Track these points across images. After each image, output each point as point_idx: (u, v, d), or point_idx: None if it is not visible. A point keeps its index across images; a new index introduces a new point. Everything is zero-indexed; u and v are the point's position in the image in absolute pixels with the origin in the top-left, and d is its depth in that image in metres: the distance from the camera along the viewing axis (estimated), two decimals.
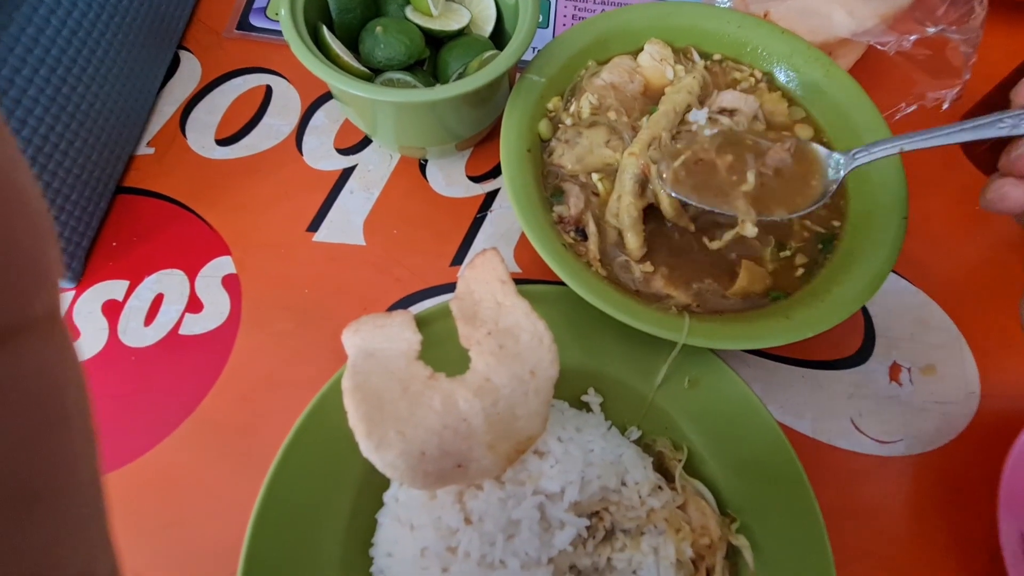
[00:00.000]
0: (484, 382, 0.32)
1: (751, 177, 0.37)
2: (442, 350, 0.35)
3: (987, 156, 0.51)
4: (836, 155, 0.37)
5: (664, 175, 0.38)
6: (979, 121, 0.32)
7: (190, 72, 0.52)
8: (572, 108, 0.43)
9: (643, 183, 0.39)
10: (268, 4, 0.55)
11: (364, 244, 0.46)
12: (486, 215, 0.48)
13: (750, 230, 0.36)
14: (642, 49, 0.46)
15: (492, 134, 0.50)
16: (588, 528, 0.34)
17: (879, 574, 0.38)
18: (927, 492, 0.40)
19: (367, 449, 0.29)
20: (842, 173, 0.36)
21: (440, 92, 0.37)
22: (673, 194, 0.38)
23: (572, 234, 0.40)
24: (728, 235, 0.39)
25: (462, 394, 0.32)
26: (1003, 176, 0.32)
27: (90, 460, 0.15)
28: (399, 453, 0.29)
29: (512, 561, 0.31)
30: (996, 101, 0.50)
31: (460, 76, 0.42)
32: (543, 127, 0.42)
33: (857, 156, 0.36)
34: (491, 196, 0.49)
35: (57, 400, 0.14)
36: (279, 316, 0.43)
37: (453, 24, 0.44)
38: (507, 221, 0.48)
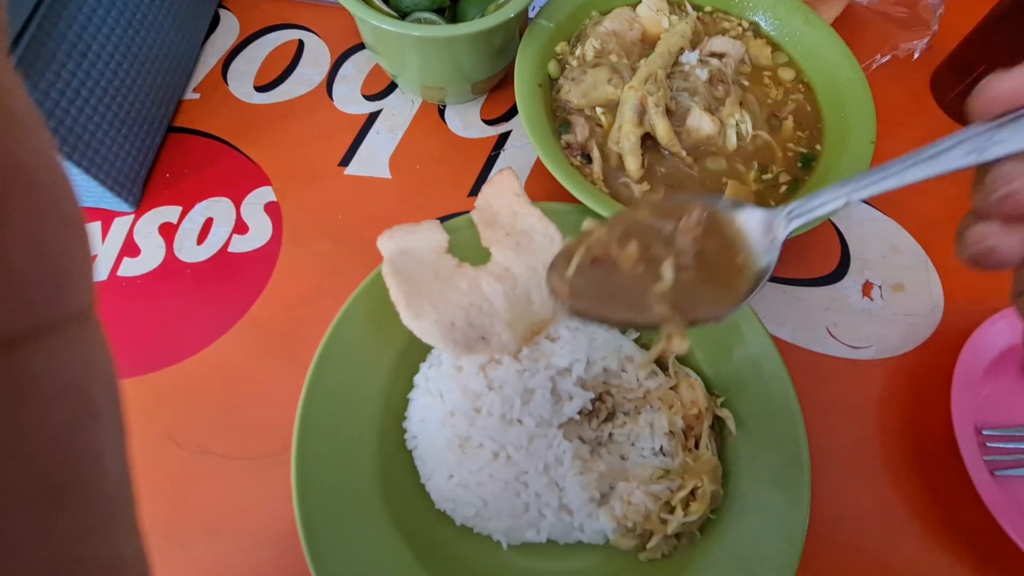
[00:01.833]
0: (504, 271, 0.37)
1: (668, 272, 0.27)
2: (465, 256, 0.40)
3: (956, 102, 0.56)
4: (757, 219, 0.27)
5: (558, 290, 0.28)
6: (938, 148, 0.24)
7: (230, 28, 0.58)
8: (578, 52, 0.48)
9: (641, 113, 0.44)
10: None
11: (390, 177, 0.51)
12: (499, 153, 0.53)
13: (679, 345, 0.27)
14: (641, 1, 0.51)
15: (504, 81, 0.55)
16: (593, 407, 0.39)
17: (846, 454, 0.43)
18: (893, 391, 0.45)
19: (407, 318, 0.34)
20: (780, 241, 0.26)
21: (460, 28, 0.42)
22: (572, 317, 0.30)
23: (579, 158, 0.45)
24: (713, 164, 0.45)
25: (485, 279, 0.37)
26: (981, 219, 0.23)
27: (118, 454, 0.15)
28: (433, 321, 0.34)
29: (528, 420, 0.36)
30: (964, 55, 0.55)
31: None
32: (551, 67, 0.48)
33: (793, 216, 0.26)
34: (503, 137, 0.54)
35: (87, 397, 0.14)
36: (316, 237, 0.48)
37: None
38: (518, 159, 0.53)
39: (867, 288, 0.49)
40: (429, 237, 0.40)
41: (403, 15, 0.47)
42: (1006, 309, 0.45)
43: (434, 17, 0.45)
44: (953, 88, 0.56)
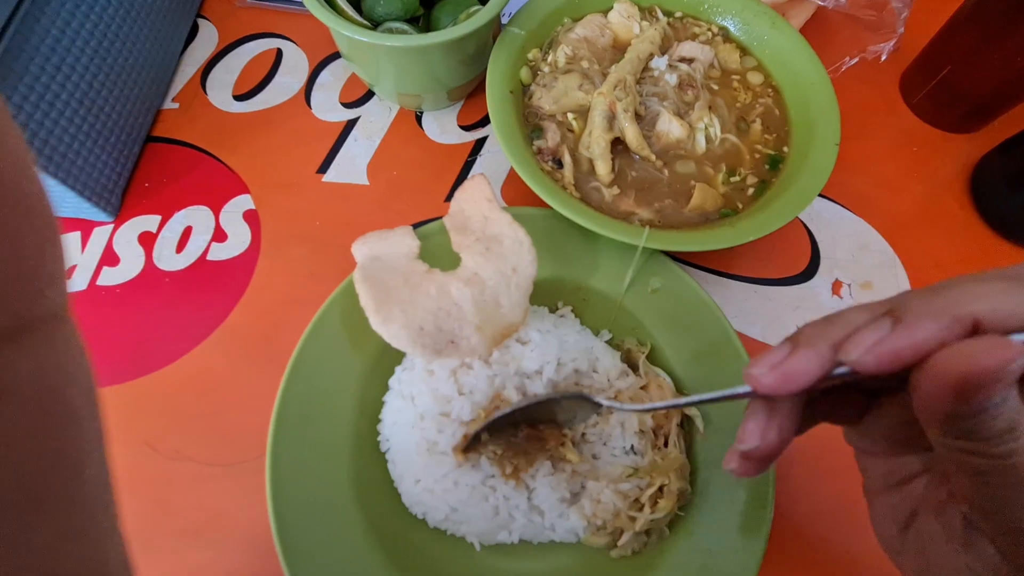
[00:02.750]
0: (473, 275, 0.38)
1: None
2: (437, 261, 0.41)
3: (924, 102, 0.57)
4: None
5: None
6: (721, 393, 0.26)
7: (208, 37, 0.58)
8: (550, 58, 0.49)
9: (611, 119, 0.45)
10: None
11: (368, 184, 0.52)
12: (475, 159, 0.54)
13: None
14: (612, 8, 0.52)
15: (479, 88, 0.55)
16: None
17: (813, 450, 0.44)
18: None
19: (376, 323, 0.35)
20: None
21: (431, 38, 0.42)
22: None
23: (550, 163, 0.45)
24: (683, 167, 0.46)
25: (454, 284, 0.37)
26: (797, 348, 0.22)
27: (98, 456, 0.15)
28: (402, 326, 0.35)
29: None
30: (931, 57, 0.56)
31: None
32: (523, 74, 0.48)
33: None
34: (480, 143, 0.55)
35: (63, 399, 0.14)
36: (294, 244, 0.49)
37: None
38: (494, 164, 0.54)
39: (836, 287, 0.50)
40: (401, 243, 0.40)
41: (376, 24, 0.47)
42: None
43: (406, 27, 0.46)
44: (921, 89, 0.57)
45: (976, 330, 0.19)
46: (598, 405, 0.34)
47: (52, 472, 0.13)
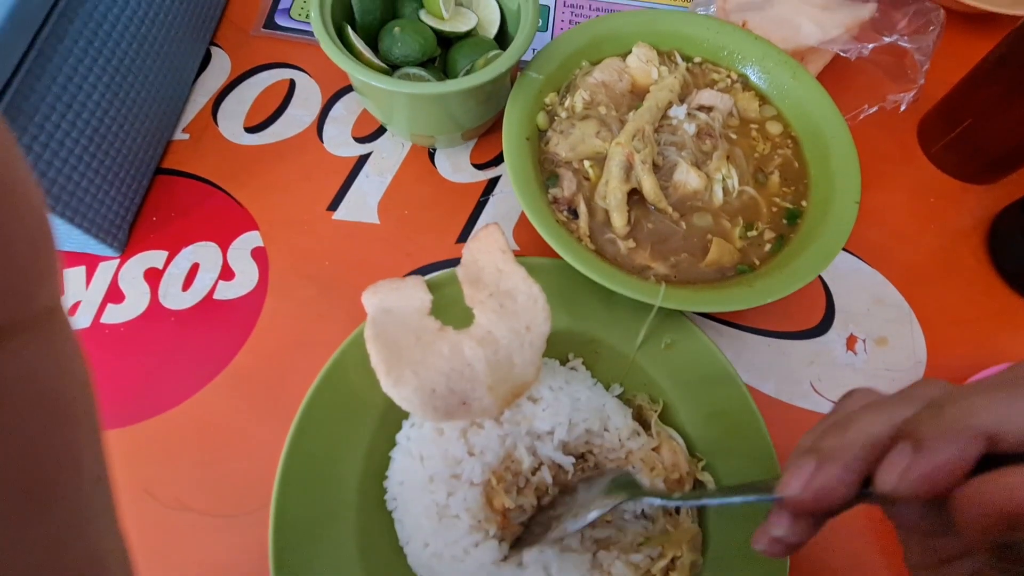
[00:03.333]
0: (486, 334, 0.37)
1: None
2: (449, 312, 0.40)
3: (942, 153, 0.57)
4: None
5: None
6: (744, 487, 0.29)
7: (221, 67, 0.58)
8: (567, 103, 0.49)
9: (628, 169, 0.45)
10: (292, 5, 0.60)
11: (378, 223, 0.51)
12: (488, 199, 0.53)
13: None
14: (631, 51, 0.51)
15: (495, 126, 0.55)
16: (575, 466, 0.39)
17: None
18: None
19: (387, 385, 0.34)
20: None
21: (450, 86, 0.42)
22: None
23: (565, 213, 0.45)
24: (700, 220, 0.45)
25: (467, 343, 0.37)
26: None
27: (96, 453, 0.15)
28: (413, 389, 0.34)
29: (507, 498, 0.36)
30: (951, 108, 0.56)
31: (468, 72, 0.47)
32: (540, 119, 0.48)
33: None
34: (493, 182, 0.54)
35: (60, 396, 0.14)
36: (302, 284, 0.48)
37: (462, 26, 0.49)
38: (507, 204, 0.53)
39: (851, 342, 0.49)
40: (413, 296, 0.39)
41: (392, 66, 0.47)
42: (991, 367, 0.45)
43: (423, 73, 0.45)
44: (940, 139, 0.56)
45: (992, 444, 0.19)
46: (638, 490, 0.34)
47: (49, 470, 0.13)
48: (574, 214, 0.45)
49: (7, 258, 0.12)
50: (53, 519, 0.13)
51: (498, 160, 0.55)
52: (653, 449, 0.40)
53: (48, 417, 0.13)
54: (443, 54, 0.50)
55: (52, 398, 0.13)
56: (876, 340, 0.49)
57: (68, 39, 0.40)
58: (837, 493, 0.22)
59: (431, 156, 0.55)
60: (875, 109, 0.56)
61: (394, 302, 0.39)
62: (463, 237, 0.51)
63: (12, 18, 0.35)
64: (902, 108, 0.55)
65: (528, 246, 0.51)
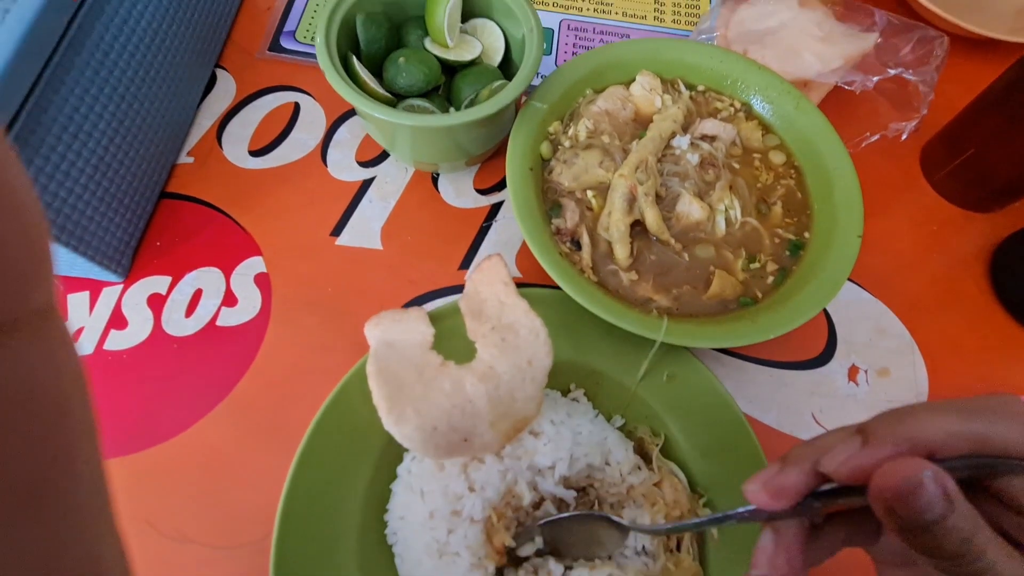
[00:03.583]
0: (488, 369, 0.37)
1: None
2: (451, 343, 0.40)
3: (945, 181, 0.57)
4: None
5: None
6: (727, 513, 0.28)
7: (226, 89, 0.58)
8: (570, 132, 0.49)
9: (631, 201, 0.45)
10: (298, 28, 0.61)
11: (381, 248, 0.51)
12: (491, 224, 0.53)
13: None
14: (634, 80, 0.51)
15: (498, 152, 0.55)
16: (576, 500, 0.39)
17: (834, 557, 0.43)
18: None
19: (388, 423, 0.34)
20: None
21: (454, 118, 0.42)
22: None
23: (568, 244, 0.45)
24: (702, 252, 0.45)
25: (469, 379, 0.37)
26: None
27: (91, 453, 0.15)
28: (415, 427, 0.34)
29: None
30: (954, 136, 0.56)
31: (472, 101, 0.47)
32: (544, 148, 0.48)
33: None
34: (496, 207, 0.54)
35: (54, 396, 0.14)
36: (305, 311, 0.48)
37: (466, 55, 0.49)
38: (510, 230, 0.53)
39: (853, 372, 0.49)
40: (415, 330, 0.40)
41: (396, 95, 0.47)
42: None
43: (428, 104, 0.45)
44: (943, 167, 0.56)
45: (930, 455, 0.22)
46: (622, 528, 0.34)
47: (44, 470, 0.13)
48: (577, 245, 0.45)
49: (3, 258, 0.12)
50: (49, 520, 0.13)
51: (501, 185, 0.55)
52: (655, 484, 0.40)
53: (42, 417, 0.13)
54: (447, 82, 0.50)
55: (47, 398, 0.13)
56: (878, 371, 0.49)
57: (75, 70, 0.40)
58: (794, 487, 0.24)
59: (434, 181, 0.55)
60: (877, 137, 0.56)
61: (396, 335, 0.40)
62: (466, 263, 0.51)
63: (21, 51, 0.35)
64: (904, 136, 0.55)
65: (531, 273, 0.51)
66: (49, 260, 0.13)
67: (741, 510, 0.27)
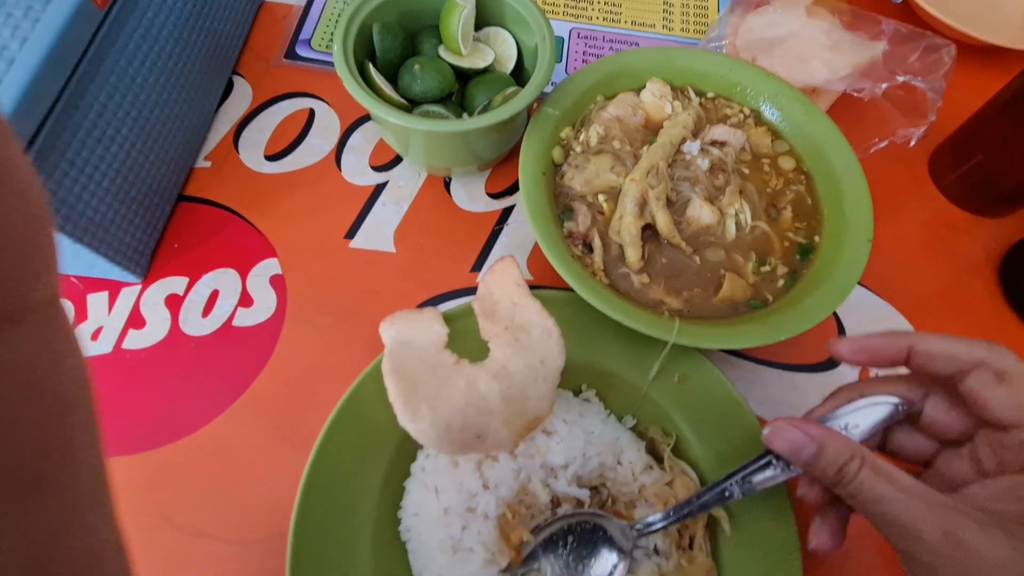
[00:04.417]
0: (501, 368, 0.38)
1: None
2: (465, 343, 0.41)
3: (954, 185, 0.57)
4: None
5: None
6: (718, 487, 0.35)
7: (243, 95, 0.59)
8: (582, 137, 0.50)
9: (642, 205, 0.45)
10: (313, 36, 0.62)
11: (394, 251, 0.52)
12: (503, 228, 0.54)
13: None
14: (644, 87, 0.52)
15: (510, 156, 0.56)
16: (590, 499, 0.40)
17: (839, 552, 0.43)
18: None
19: (403, 419, 0.35)
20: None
21: (468, 124, 0.43)
22: None
23: (580, 247, 0.45)
24: (713, 255, 0.46)
25: (482, 377, 0.37)
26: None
27: (92, 443, 0.15)
28: (429, 423, 0.35)
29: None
30: (963, 141, 0.56)
31: (485, 108, 0.48)
32: (556, 153, 0.49)
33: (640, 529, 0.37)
34: (507, 211, 0.55)
35: (55, 386, 0.14)
36: (320, 312, 0.49)
37: (479, 62, 0.50)
38: (521, 234, 0.54)
39: (864, 374, 0.49)
40: (430, 329, 0.40)
41: (411, 101, 0.48)
42: None
43: (442, 110, 0.46)
44: (952, 172, 0.57)
45: (908, 356, 0.32)
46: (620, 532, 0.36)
47: (47, 461, 0.13)
48: (589, 248, 0.45)
49: (6, 249, 0.12)
50: (48, 509, 0.13)
51: (513, 189, 0.56)
52: (667, 484, 0.40)
53: (43, 406, 0.13)
54: (461, 89, 0.51)
55: (47, 388, 0.13)
56: (888, 373, 0.49)
57: (100, 77, 0.42)
58: (875, 349, 0.33)
59: (447, 185, 0.56)
60: (886, 143, 0.56)
61: (411, 335, 0.40)
62: (478, 266, 0.52)
63: (49, 59, 0.36)
64: (912, 143, 0.56)
65: (542, 276, 0.52)
66: (53, 252, 0.14)
67: (756, 459, 0.35)
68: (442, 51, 0.50)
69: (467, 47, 0.49)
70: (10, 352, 0.12)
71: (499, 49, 0.52)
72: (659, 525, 0.37)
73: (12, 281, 0.12)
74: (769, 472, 0.34)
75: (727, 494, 0.35)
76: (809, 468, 0.31)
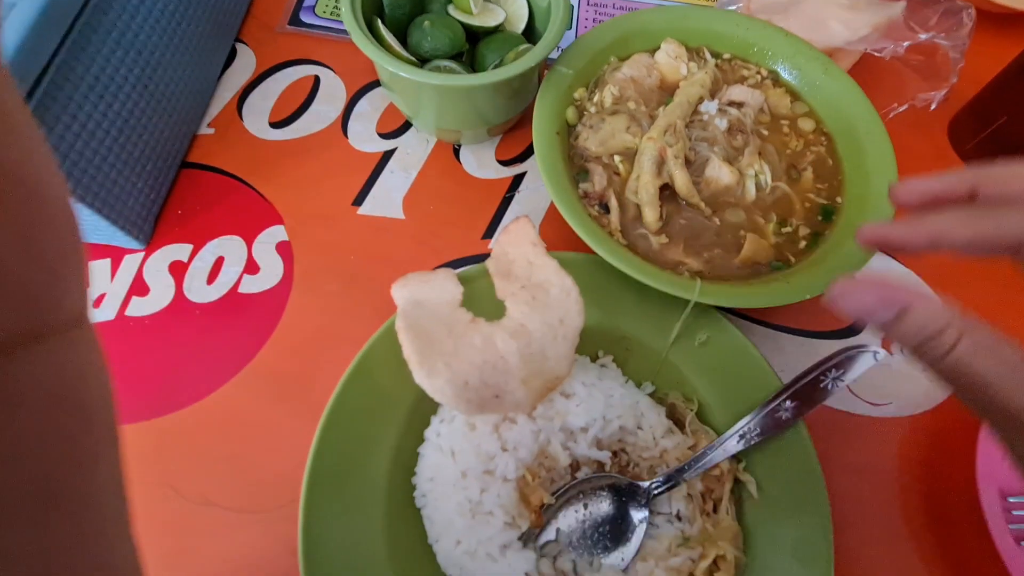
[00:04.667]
0: (519, 327, 0.37)
1: None
2: (480, 305, 0.40)
3: (975, 151, 0.56)
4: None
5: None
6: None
7: (246, 62, 0.58)
8: (596, 98, 0.48)
9: (660, 164, 0.44)
10: (317, 2, 0.61)
11: (404, 218, 0.51)
12: (514, 195, 0.53)
13: None
14: (659, 47, 0.51)
15: (520, 123, 0.54)
16: (610, 462, 0.38)
17: (867, 517, 0.42)
18: (913, 449, 0.44)
19: (419, 376, 0.34)
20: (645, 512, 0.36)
21: (482, 78, 0.41)
22: None
23: (596, 208, 0.44)
24: (733, 216, 0.44)
25: (500, 335, 0.36)
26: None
27: (112, 460, 0.15)
28: (446, 380, 0.33)
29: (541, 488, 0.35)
30: (984, 105, 0.55)
31: (496, 67, 0.47)
32: (570, 114, 0.47)
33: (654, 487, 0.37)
34: (518, 179, 0.53)
35: (80, 403, 0.14)
36: (327, 279, 0.48)
37: (490, 21, 0.49)
38: (533, 201, 0.52)
39: (887, 342, 0.48)
40: (444, 288, 0.39)
41: (421, 60, 0.47)
42: None
43: (453, 65, 0.45)
44: (973, 137, 0.56)
45: (972, 194, 0.29)
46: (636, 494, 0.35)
47: (67, 476, 0.13)
48: (605, 209, 0.44)
49: (37, 265, 0.12)
50: (66, 523, 0.13)
51: (523, 157, 0.54)
52: (689, 448, 0.39)
53: (67, 423, 0.13)
54: (471, 49, 0.50)
55: (72, 405, 0.13)
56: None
57: (102, 30, 0.40)
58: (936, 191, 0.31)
59: (456, 152, 0.54)
60: (905, 107, 0.55)
61: (425, 294, 0.39)
62: (489, 233, 0.51)
63: (48, 9, 0.35)
64: (933, 106, 0.54)
65: (555, 243, 0.50)
66: (83, 269, 0.13)
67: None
68: (452, 9, 0.49)
69: (478, 6, 0.48)
70: (37, 367, 0.12)
71: (510, 9, 0.50)
72: (689, 474, 0.36)
73: (42, 297, 0.12)
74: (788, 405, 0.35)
75: (742, 436, 0.36)
76: (891, 333, 0.25)
